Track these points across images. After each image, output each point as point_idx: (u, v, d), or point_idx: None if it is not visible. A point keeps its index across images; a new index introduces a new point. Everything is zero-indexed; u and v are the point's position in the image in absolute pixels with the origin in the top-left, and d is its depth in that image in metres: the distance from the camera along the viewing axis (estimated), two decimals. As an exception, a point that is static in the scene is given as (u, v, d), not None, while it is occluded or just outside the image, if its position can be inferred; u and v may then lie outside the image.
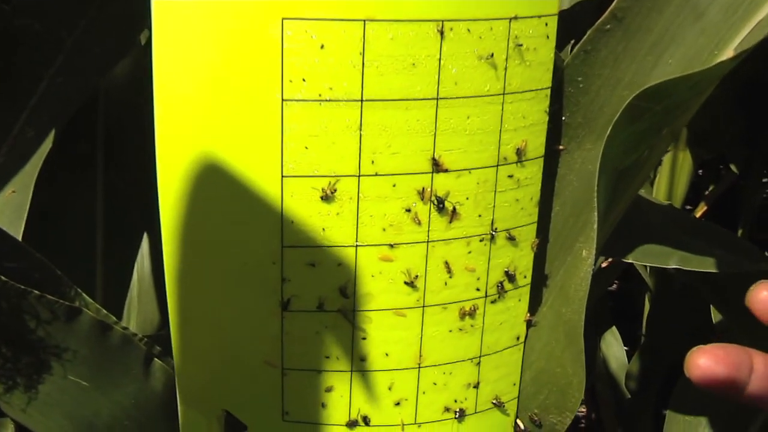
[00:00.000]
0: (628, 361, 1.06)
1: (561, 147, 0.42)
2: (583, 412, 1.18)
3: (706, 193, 1.07)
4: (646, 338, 1.08)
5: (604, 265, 0.91)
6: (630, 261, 0.47)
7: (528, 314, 0.43)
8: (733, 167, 0.98)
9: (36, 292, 0.40)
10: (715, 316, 0.72)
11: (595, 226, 0.38)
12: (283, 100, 0.36)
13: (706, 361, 0.36)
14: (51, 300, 0.40)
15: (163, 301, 0.39)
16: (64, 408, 0.43)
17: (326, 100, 0.36)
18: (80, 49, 0.59)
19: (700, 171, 1.05)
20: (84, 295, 0.44)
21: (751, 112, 0.88)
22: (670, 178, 1.03)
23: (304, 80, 0.36)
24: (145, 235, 0.69)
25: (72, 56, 0.59)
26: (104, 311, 0.44)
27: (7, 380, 0.42)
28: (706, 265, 0.45)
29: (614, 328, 1.08)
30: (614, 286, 1.22)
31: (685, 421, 0.64)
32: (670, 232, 0.48)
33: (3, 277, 0.40)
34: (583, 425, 1.17)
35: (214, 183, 0.37)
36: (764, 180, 1.05)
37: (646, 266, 1.03)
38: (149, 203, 0.38)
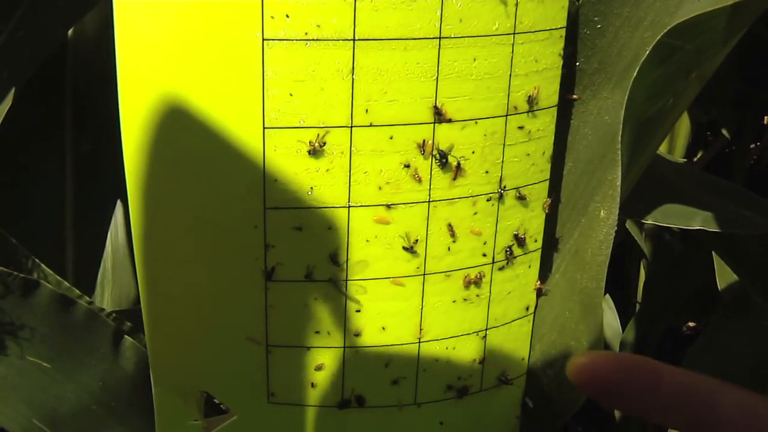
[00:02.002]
0: (622, 330, 1.05)
1: (575, 96, 0.38)
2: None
3: (695, 159, 1.06)
4: (641, 305, 1.06)
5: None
6: (650, 222, 0.43)
7: (538, 282, 0.39)
8: (724, 132, 0.97)
9: (-14, 263, 0.36)
10: (720, 282, 0.69)
11: (618, 182, 0.34)
12: (263, 39, 0.31)
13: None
14: (4, 272, 0.36)
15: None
16: (22, 392, 0.39)
17: (313, 40, 0.32)
18: (42, 1, 0.54)
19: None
20: (43, 266, 0.40)
21: (745, 75, 0.86)
22: (669, 141, 1.01)
23: (287, 17, 0.31)
24: (119, 203, 0.65)
25: (33, 9, 0.55)
26: (66, 284, 0.40)
27: (-42, 362, 0.38)
28: (734, 226, 0.41)
29: (608, 296, 1.07)
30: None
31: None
32: (692, 192, 0.44)
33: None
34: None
35: (186, 137, 0.33)
36: (752, 146, 1.05)
37: (642, 232, 1.00)
38: (122, 168, 0.34)
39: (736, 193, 0.46)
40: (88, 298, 0.39)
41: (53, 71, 0.62)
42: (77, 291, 0.40)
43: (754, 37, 0.79)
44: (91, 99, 0.63)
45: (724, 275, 0.68)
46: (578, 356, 0.32)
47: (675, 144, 1.00)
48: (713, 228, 0.41)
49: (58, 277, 0.40)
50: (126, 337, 0.41)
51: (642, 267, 1.07)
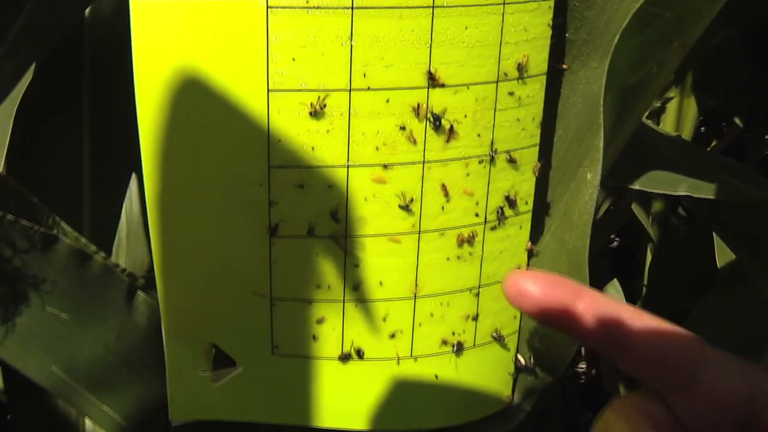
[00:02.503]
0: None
1: (564, 66, 0.40)
2: (583, 368, 1.17)
3: (708, 149, 1.07)
4: (647, 289, 1.07)
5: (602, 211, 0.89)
6: (637, 188, 0.44)
7: (529, 243, 0.41)
8: (737, 120, 0.98)
9: (10, 216, 0.38)
10: (720, 260, 0.70)
11: (601, 144, 0.36)
12: (268, 7, 0.34)
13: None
14: (26, 226, 0.38)
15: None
16: (43, 341, 0.41)
17: (314, 8, 0.34)
18: (61, -22, 0.56)
19: (703, 128, 1.04)
20: (63, 223, 0.42)
21: (753, 60, 0.86)
22: (675, 125, 1.01)
23: (290, -15, 0.33)
24: (134, 175, 0.67)
25: (52, -13, 0.57)
26: (84, 240, 0.42)
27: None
28: (718, 193, 0.43)
29: (615, 281, 1.07)
30: (615, 243, 1.22)
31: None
32: (680, 160, 0.45)
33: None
34: (583, 381, 1.16)
35: (194, 99, 0.35)
36: (767, 137, 1.05)
37: (648, 216, 1.01)
38: (137, 140, 0.36)
39: (726, 164, 0.47)
40: (103, 254, 0.41)
41: (71, 48, 0.64)
42: (94, 247, 0.42)
43: (760, 19, 0.79)
44: (107, 75, 0.65)
45: (724, 254, 0.69)
46: (512, 273, 0.33)
47: (682, 129, 1.00)
48: (699, 194, 0.43)
49: (77, 234, 0.42)
50: (139, 292, 0.43)
51: (649, 252, 1.08)
